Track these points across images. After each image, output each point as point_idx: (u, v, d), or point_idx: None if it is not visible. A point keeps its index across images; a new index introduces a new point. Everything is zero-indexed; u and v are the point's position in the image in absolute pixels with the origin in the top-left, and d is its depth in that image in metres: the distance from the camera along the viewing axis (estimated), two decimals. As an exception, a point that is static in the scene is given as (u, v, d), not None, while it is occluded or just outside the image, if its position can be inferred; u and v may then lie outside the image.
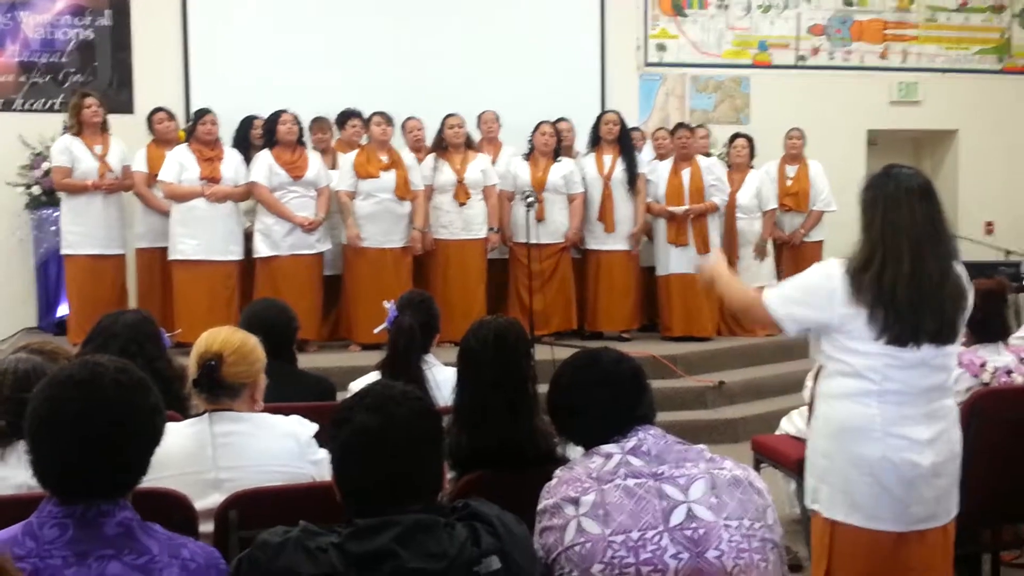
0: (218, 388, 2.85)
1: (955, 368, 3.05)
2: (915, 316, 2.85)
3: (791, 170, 8.77)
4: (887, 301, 2.85)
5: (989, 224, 10.82)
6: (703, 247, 7.97)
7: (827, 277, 2.95)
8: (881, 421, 2.90)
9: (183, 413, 3.10)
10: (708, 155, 8.64)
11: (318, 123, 8.06)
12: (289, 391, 3.55)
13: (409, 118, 8.25)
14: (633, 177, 8.02)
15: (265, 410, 2.98)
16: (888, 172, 3.01)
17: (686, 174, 8.06)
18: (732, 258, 8.27)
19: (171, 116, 7.88)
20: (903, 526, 2.92)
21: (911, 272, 2.85)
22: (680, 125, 8.49)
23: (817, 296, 2.95)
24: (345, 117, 8.14)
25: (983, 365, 4.03)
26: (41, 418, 1.85)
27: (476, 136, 8.29)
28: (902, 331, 2.86)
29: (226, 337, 2.91)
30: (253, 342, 2.96)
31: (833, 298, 2.91)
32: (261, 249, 7.44)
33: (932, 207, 2.93)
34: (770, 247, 8.56)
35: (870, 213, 2.95)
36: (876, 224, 2.92)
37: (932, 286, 2.87)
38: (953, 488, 3.00)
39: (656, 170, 8.22)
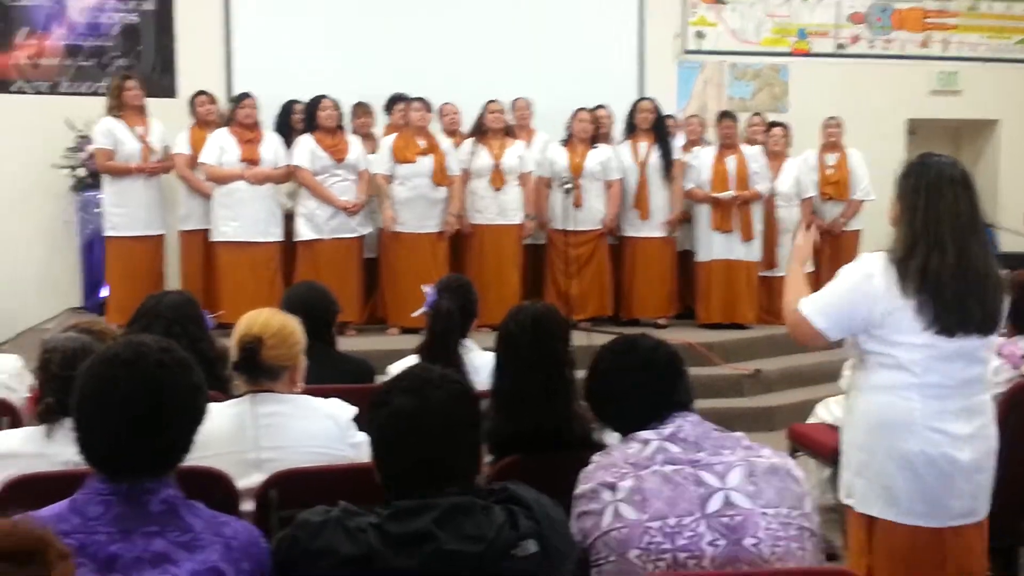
0: (258, 371, 2.87)
1: (993, 361, 3.01)
2: (962, 306, 2.82)
3: (831, 159, 8.70)
4: (933, 291, 2.82)
5: (1030, 216, 10.69)
6: (747, 234, 8.00)
7: (867, 276, 2.91)
8: (921, 415, 2.87)
9: (225, 394, 3.14)
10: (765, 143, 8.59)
11: (361, 108, 8.11)
12: (328, 373, 3.57)
13: (445, 103, 8.30)
14: (669, 164, 8.02)
15: (305, 392, 3.00)
16: (926, 160, 2.97)
17: (731, 161, 8.05)
18: (771, 246, 8.26)
19: (213, 100, 7.95)
20: (940, 521, 2.90)
21: (956, 262, 2.82)
22: (725, 114, 8.44)
23: (860, 297, 2.90)
24: (393, 102, 8.19)
25: (1023, 356, 3.99)
26: (87, 396, 1.88)
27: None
28: (949, 321, 2.83)
29: (266, 320, 2.93)
30: (293, 325, 2.98)
31: (876, 296, 2.87)
32: (304, 232, 7.49)
33: (973, 196, 2.90)
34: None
35: (911, 200, 2.91)
36: (919, 212, 2.88)
37: (977, 276, 2.84)
38: (990, 483, 2.98)
39: (700, 156, 8.21)
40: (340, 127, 7.66)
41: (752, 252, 8.07)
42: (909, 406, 2.89)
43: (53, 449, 2.64)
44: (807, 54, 10.47)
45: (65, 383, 2.19)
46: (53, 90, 8.99)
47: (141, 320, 3.48)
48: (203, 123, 7.80)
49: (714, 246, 8.05)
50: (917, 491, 2.89)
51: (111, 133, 7.47)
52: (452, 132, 8.17)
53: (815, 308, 2.98)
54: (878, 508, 2.96)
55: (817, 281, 8.37)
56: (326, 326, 3.95)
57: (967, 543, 2.96)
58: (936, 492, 2.88)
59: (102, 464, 1.87)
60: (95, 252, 8.40)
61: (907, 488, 2.90)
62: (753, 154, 8.18)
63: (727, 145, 8.13)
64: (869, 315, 2.90)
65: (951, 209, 2.86)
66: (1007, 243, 9.71)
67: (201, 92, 7.96)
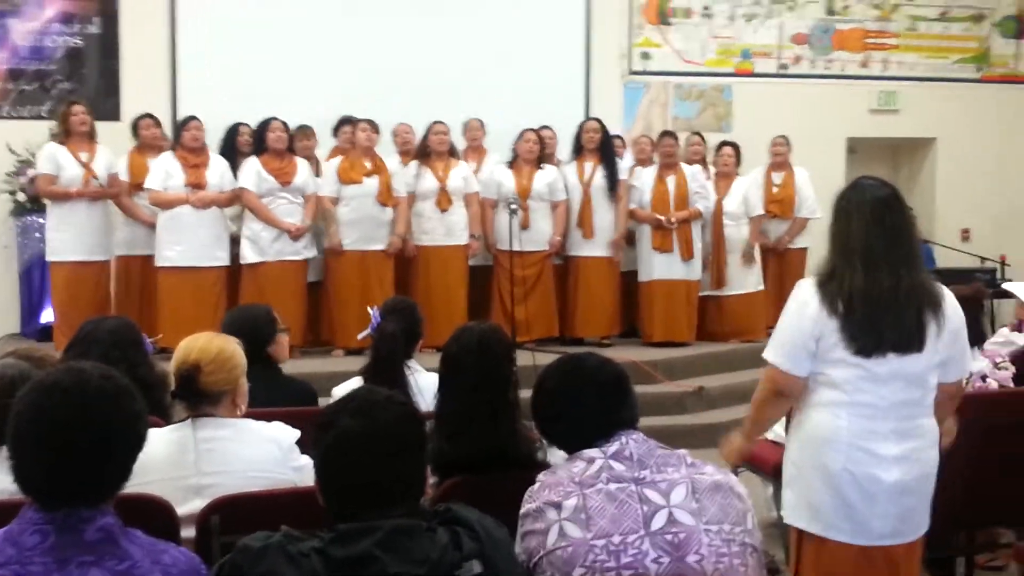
0: (197, 397, 2.85)
1: (935, 386, 3.04)
2: (875, 327, 2.88)
3: (777, 177, 8.82)
4: (848, 313, 2.88)
5: (966, 231, 10.89)
6: (687, 253, 8.05)
7: (803, 305, 2.98)
8: (847, 433, 2.92)
9: (165, 419, 3.10)
10: (704, 162, 8.67)
11: (303, 131, 8.07)
12: (270, 396, 3.54)
13: (400, 123, 8.33)
14: (614, 184, 8.06)
15: (247, 415, 2.97)
16: (852, 184, 3.07)
17: (671, 181, 8.12)
18: (720, 265, 8.32)
19: (158, 123, 7.88)
20: (863, 540, 2.93)
21: (864, 283, 2.88)
22: (666, 133, 8.52)
23: (801, 326, 2.97)
24: (340, 124, 8.18)
25: (964, 371, 4.05)
26: (23, 424, 1.85)
27: (460, 144, 8.31)
28: (865, 342, 2.88)
29: (203, 346, 2.90)
30: (232, 348, 2.95)
31: (813, 319, 2.93)
32: (248, 255, 7.43)
33: (893, 217, 2.95)
34: (757, 254, 8.58)
35: (831, 226, 3.02)
36: (834, 237, 2.99)
37: (884, 295, 2.88)
38: (923, 506, 3.01)
39: (641, 176, 8.27)
40: (290, 150, 7.63)
41: (692, 271, 8.14)
42: (836, 424, 2.94)
43: (-11, 479, 2.58)
44: (750, 74, 10.61)
45: (2, 411, 2.15)
46: (-6, 114, 8.87)
47: (79, 345, 3.43)
48: (144, 147, 7.73)
49: (655, 266, 8.11)
50: (839, 508, 2.93)
51: (53, 158, 7.39)
52: (406, 152, 8.17)
53: (774, 353, 3.05)
54: (804, 521, 3.01)
55: (767, 298, 8.42)
56: (267, 348, 3.91)
57: (895, 564, 2.98)
58: (858, 510, 2.91)
59: (38, 493, 1.84)
60: (34, 278, 8.30)
61: (830, 503, 2.94)
62: (693, 173, 8.25)
63: (667, 165, 8.19)
64: (815, 336, 2.95)
65: (859, 231, 2.93)
66: (943, 259, 9.90)
67: (146, 115, 7.88)
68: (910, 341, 2.90)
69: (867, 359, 2.89)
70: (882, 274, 2.89)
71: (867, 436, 2.91)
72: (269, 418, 2.98)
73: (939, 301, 2.96)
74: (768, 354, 3.06)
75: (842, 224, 2.98)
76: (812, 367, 2.99)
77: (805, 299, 2.97)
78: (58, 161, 7.39)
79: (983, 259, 9.92)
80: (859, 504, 2.91)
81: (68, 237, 7.42)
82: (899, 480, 2.91)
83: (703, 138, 8.91)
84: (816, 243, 8.42)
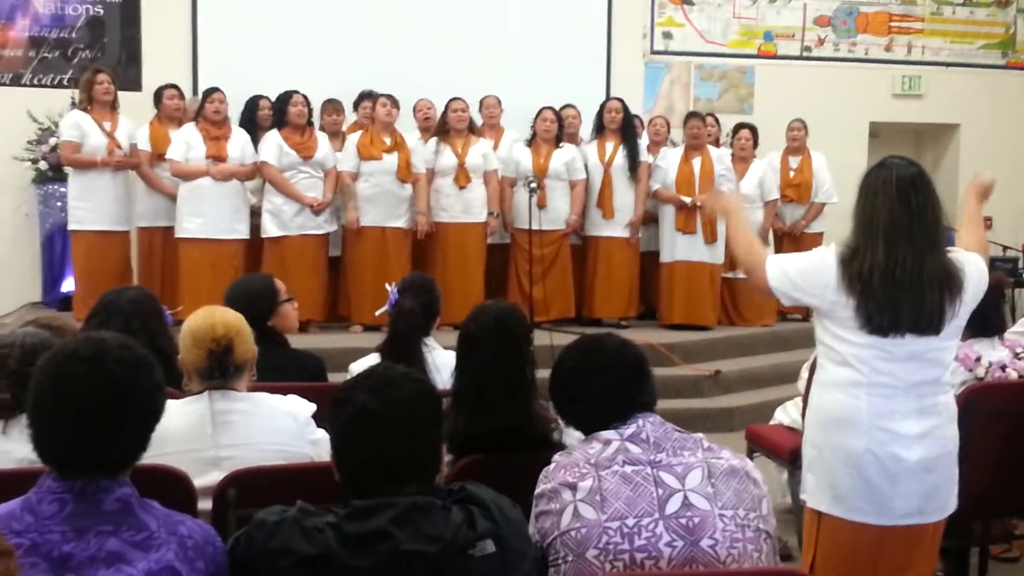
0: (229, 371, 2.86)
1: (951, 363, 3.03)
2: (892, 306, 2.85)
3: (794, 161, 8.78)
4: (867, 291, 2.86)
5: (988, 219, 10.78)
6: (711, 235, 8.01)
7: (822, 262, 2.96)
8: (868, 413, 2.90)
9: (182, 391, 3.11)
10: (717, 144, 8.64)
11: (331, 105, 8.07)
12: (275, 368, 3.50)
13: (421, 99, 8.33)
14: (635, 165, 8.03)
15: (261, 389, 2.98)
16: (880, 163, 3.03)
17: (697, 163, 8.08)
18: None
19: (182, 95, 7.90)
20: (886, 520, 2.92)
21: (884, 261, 2.85)
22: (692, 114, 8.47)
23: (812, 280, 2.96)
24: (360, 99, 8.20)
25: (978, 360, 4.03)
26: (43, 393, 1.85)
27: (479, 121, 8.30)
28: (881, 321, 2.86)
29: (225, 320, 2.90)
30: (242, 319, 2.97)
31: (827, 284, 2.92)
32: (270, 229, 7.46)
33: (918, 197, 2.91)
34: (770, 237, 8.55)
35: (856, 205, 2.99)
36: (858, 215, 2.96)
37: (907, 275, 2.85)
38: (948, 485, 2.99)
39: (666, 157, 8.23)
40: (310, 123, 7.62)
41: (715, 254, 8.10)
42: (856, 404, 2.92)
43: (8, 446, 2.59)
44: (773, 56, 10.55)
45: (23, 379, 2.16)
46: (16, 82, 8.91)
47: (100, 315, 3.45)
48: (165, 117, 7.74)
49: (677, 247, 8.08)
50: (862, 489, 2.91)
51: (78, 126, 7.40)
52: (427, 128, 8.17)
53: (775, 269, 3.04)
54: (826, 504, 2.99)
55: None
56: (267, 320, 3.88)
57: (916, 544, 2.98)
58: (881, 491, 2.90)
59: (56, 462, 1.85)
60: (56, 246, 8.35)
61: (852, 486, 2.92)
62: (720, 155, 8.21)
63: (694, 146, 8.15)
64: (818, 302, 2.96)
65: (883, 210, 2.90)
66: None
67: (170, 85, 7.88)
68: (928, 323, 2.88)
69: (883, 338, 2.88)
70: (905, 252, 2.86)
71: (888, 416, 2.89)
72: (285, 392, 2.99)
73: (961, 287, 2.92)
74: (770, 265, 3.04)
75: (867, 202, 2.94)
76: (821, 338, 3.01)
77: (826, 260, 2.95)
78: (82, 129, 7.41)
79: (1005, 248, 9.85)
80: (882, 484, 2.89)
81: (91, 207, 7.44)
82: (922, 458, 2.90)
83: (717, 119, 8.85)
84: (832, 227, 8.42)
